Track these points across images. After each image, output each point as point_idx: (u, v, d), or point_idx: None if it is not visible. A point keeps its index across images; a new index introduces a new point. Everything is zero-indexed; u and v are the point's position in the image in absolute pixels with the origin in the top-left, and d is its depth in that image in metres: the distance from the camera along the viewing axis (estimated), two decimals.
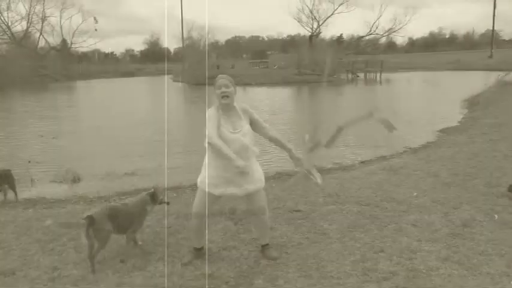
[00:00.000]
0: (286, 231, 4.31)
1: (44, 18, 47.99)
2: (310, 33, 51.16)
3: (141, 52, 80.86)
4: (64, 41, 52.68)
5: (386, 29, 52.34)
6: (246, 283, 3.35)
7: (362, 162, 8.05)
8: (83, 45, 54.05)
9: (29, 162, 8.63)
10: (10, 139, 11.93)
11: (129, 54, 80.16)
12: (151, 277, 3.44)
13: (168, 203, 4.07)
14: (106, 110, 19.43)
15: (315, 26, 50.83)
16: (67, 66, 43.02)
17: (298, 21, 52.14)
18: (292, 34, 72.82)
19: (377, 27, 51.88)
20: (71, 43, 53.02)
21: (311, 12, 50.14)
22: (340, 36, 57.09)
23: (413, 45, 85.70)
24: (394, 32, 52.67)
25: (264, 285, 3.30)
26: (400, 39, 64.67)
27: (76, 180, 7.32)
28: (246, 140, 3.33)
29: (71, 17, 52.11)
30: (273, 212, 4.75)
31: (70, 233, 4.40)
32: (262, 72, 39.95)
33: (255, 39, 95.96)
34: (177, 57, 57.22)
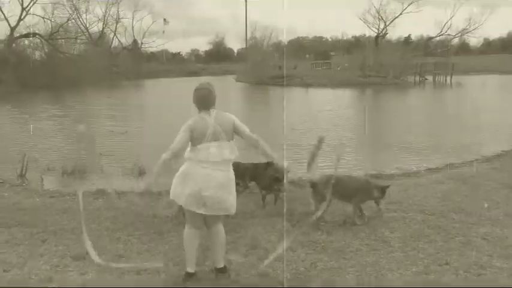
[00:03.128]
0: (344, 236, 4.22)
1: (118, 20, 50.88)
2: (376, 34, 49.64)
3: (206, 52, 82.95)
4: (135, 41, 55.52)
5: (460, 29, 49.33)
6: (302, 285, 3.32)
7: (428, 169, 7.68)
8: (152, 45, 56.46)
9: (100, 154, 9.19)
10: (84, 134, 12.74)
11: (194, 54, 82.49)
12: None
13: None
14: (172, 107, 20.17)
15: (382, 26, 49.22)
16: (137, 65, 45.25)
17: (364, 22, 50.71)
18: (357, 35, 70.96)
19: (449, 28, 49.07)
20: (141, 43, 55.76)
21: (378, 12, 48.58)
22: (408, 37, 54.81)
23: (489, 47, 79.96)
24: (468, 32, 49.47)
25: None
26: (474, 40, 60.19)
27: (142, 173, 7.67)
28: None
29: (142, 18, 54.65)
30: (330, 215, 4.68)
31: (135, 224, 4.64)
32: (324, 73, 39.41)
33: (318, 40, 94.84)
34: (240, 57, 58.07)
